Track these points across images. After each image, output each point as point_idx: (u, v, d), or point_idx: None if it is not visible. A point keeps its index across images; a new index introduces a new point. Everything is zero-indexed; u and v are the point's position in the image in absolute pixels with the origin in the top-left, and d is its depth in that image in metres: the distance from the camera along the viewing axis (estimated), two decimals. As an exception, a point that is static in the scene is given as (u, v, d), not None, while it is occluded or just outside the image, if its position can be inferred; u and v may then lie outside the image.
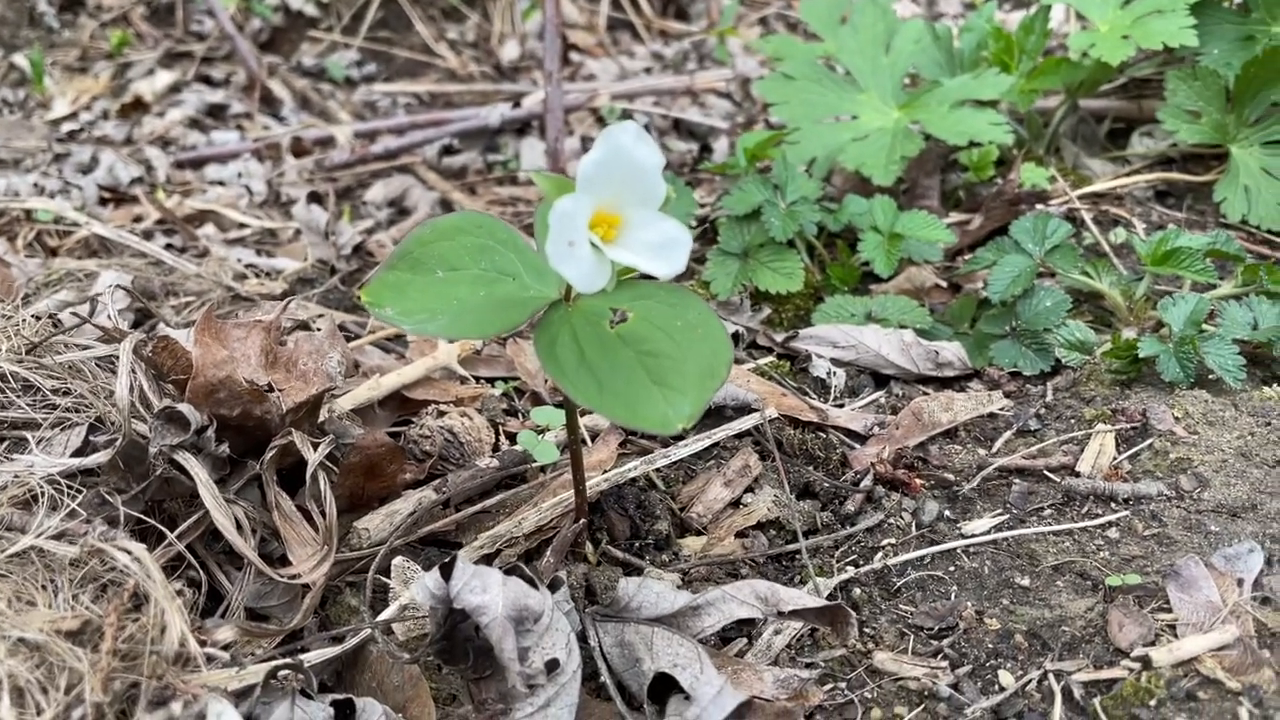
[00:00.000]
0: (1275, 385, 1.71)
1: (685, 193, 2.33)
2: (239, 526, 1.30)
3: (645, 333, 1.17)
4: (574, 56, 4.22)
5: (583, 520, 1.44)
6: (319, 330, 1.55)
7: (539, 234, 1.29)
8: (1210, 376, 1.73)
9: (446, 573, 1.12)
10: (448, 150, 3.26)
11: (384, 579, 1.37)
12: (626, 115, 3.41)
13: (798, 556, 1.52)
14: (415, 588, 1.13)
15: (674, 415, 1.11)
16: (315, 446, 1.35)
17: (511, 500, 1.56)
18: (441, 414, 1.69)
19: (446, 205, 2.96)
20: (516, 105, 3.31)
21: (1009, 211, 2.38)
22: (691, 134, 3.40)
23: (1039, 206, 2.41)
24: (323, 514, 1.32)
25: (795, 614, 1.28)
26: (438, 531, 1.48)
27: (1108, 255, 2.24)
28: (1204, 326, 1.78)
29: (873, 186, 2.34)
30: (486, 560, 1.44)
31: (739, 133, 3.41)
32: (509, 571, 1.17)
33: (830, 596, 1.42)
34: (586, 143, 3.29)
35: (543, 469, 1.62)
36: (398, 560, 1.35)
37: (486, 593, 1.10)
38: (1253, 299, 1.85)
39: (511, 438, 1.72)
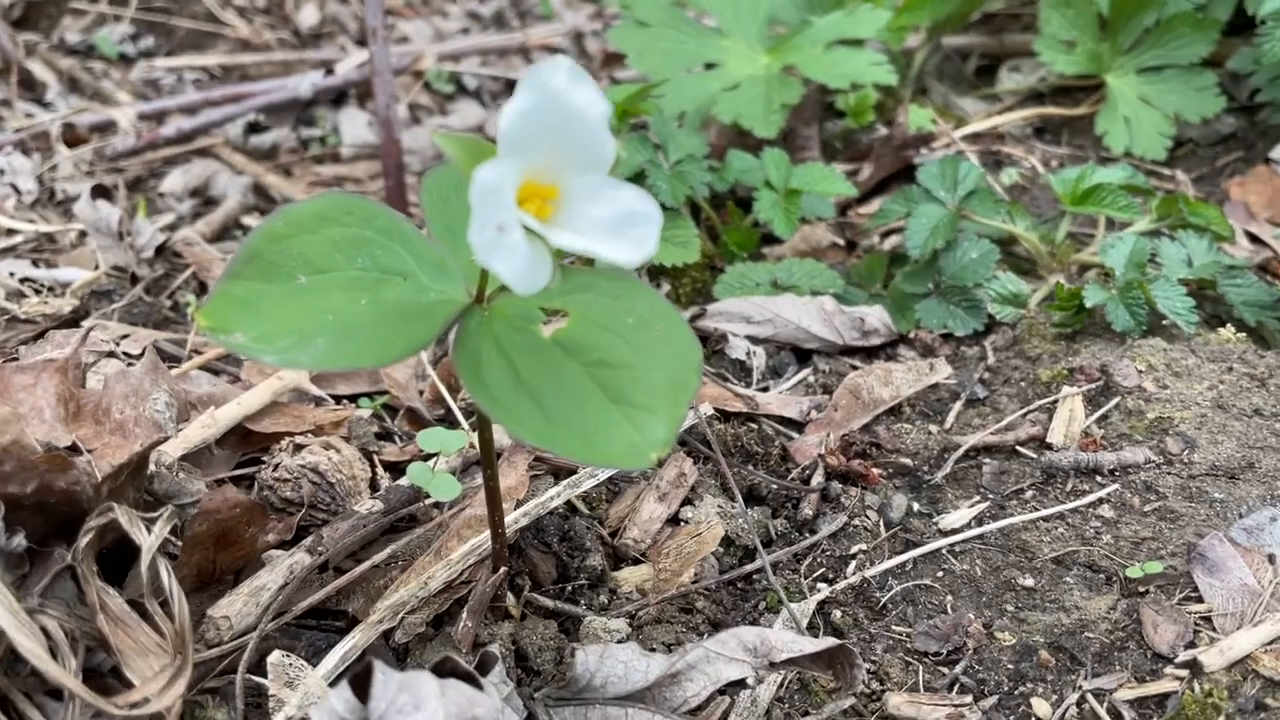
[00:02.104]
0: (1228, 326, 1.59)
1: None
2: (50, 643, 0.95)
3: (591, 337, 0.90)
4: (383, 19, 3.82)
5: (503, 570, 1.16)
6: (135, 364, 1.19)
7: (428, 215, 1.00)
8: (1164, 322, 1.58)
9: (361, 688, 0.83)
10: (253, 128, 2.84)
11: (257, 679, 1.05)
12: (455, 78, 3.07)
13: (757, 577, 1.28)
14: (319, 714, 0.82)
15: (644, 443, 0.85)
16: (149, 524, 1.01)
17: (404, 550, 1.26)
18: (300, 448, 1.36)
19: (260, 191, 2.56)
20: (329, 73, 2.92)
21: (898, 158, 2.21)
22: (529, 96, 3.09)
23: (924, 150, 2.25)
24: (167, 612, 0.99)
25: (791, 663, 1.04)
26: (319, 604, 1.17)
27: (1006, 198, 2.09)
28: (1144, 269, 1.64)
29: (751, 140, 2.12)
30: (385, 637, 1.13)
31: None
32: (441, 668, 0.88)
33: (810, 624, 1.19)
34: (416, 112, 2.93)
35: (438, 505, 1.33)
36: (275, 656, 1.04)
37: (420, 710, 0.81)
38: (1182, 234, 1.73)
39: (392, 469, 1.41)
